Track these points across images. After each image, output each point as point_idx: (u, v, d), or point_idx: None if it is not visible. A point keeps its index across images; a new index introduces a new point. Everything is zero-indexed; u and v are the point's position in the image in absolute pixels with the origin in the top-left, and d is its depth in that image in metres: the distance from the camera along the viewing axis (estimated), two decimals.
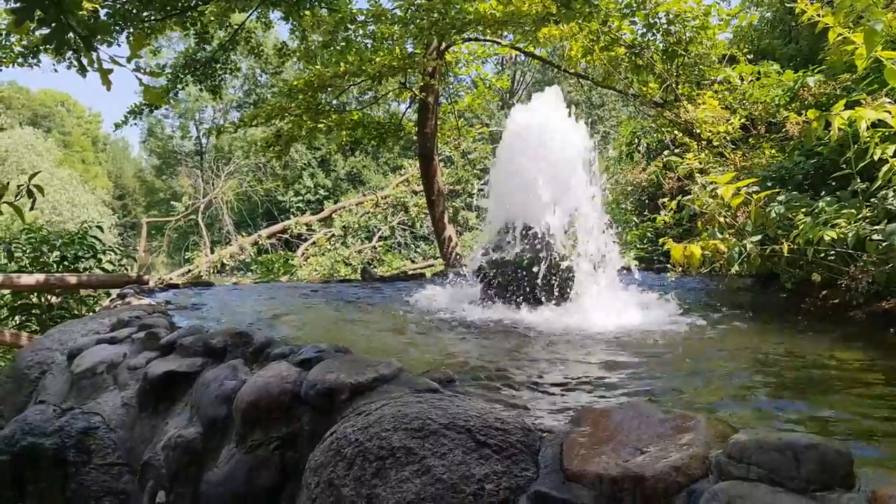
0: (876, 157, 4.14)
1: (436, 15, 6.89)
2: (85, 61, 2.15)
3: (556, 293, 4.47)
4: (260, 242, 20.27)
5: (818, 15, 4.92)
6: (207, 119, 42.00)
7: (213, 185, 26.41)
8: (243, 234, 22.17)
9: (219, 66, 9.16)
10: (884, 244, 3.94)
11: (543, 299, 4.47)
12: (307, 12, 7.80)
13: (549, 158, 4.65)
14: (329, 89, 8.39)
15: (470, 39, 8.93)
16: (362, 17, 7.37)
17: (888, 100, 4.02)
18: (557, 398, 2.43)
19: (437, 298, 5.07)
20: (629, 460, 1.68)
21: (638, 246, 10.92)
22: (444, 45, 8.46)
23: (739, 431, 1.71)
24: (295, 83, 8.60)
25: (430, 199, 9.56)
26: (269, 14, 8.97)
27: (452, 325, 4.02)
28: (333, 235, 19.57)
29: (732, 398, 2.48)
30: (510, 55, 22.47)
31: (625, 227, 11.81)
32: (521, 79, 31.39)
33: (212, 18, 8.51)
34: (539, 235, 4.56)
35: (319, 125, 8.71)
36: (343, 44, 8.07)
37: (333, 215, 20.72)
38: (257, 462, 2.20)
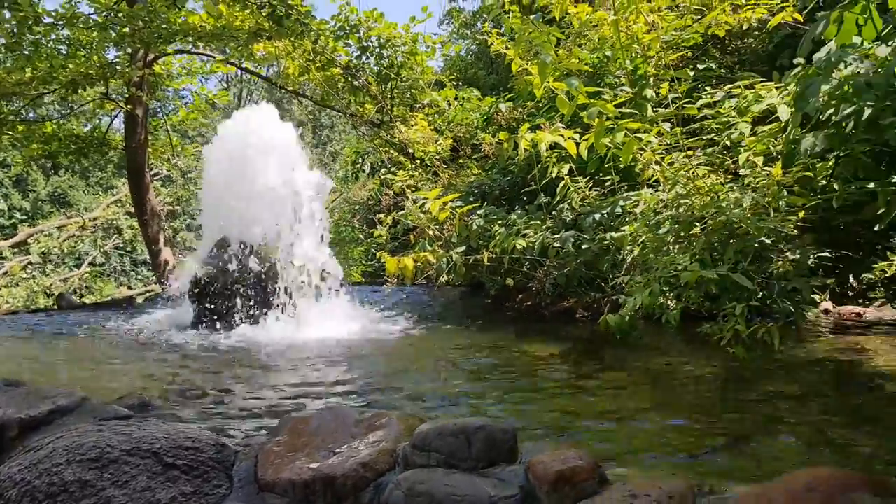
0: (554, 175, 4.73)
1: (140, 23, 6.46)
2: None
3: (272, 309, 4.41)
4: None
5: (505, 47, 5.51)
6: None
7: None
8: None
9: None
10: (562, 251, 4.50)
11: (258, 316, 4.39)
12: None
13: (264, 172, 4.59)
14: (14, 97, 7.41)
15: (181, 51, 8.52)
16: (50, 19, 6.64)
17: (562, 125, 4.60)
18: (264, 411, 2.40)
19: (146, 323, 4.72)
20: (322, 462, 1.71)
21: (364, 262, 11.24)
22: (151, 55, 7.95)
23: (426, 422, 1.83)
24: None
25: (141, 219, 8.86)
26: None
27: (160, 349, 3.78)
28: (31, 263, 17.25)
29: (435, 392, 2.66)
30: (236, 72, 21.86)
31: (352, 243, 12.09)
32: (249, 97, 30.64)
33: None
34: (253, 252, 4.47)
35: (3, 137, 7.65)
36: (31, 48, 7.19)
37: (30, 240, 18.24)
38: None
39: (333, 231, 12.44)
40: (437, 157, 7.43)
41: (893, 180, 3.47)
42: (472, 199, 5.77)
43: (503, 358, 3.40)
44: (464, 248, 4.98)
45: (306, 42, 7.35)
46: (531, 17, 4.33)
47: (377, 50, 7.93)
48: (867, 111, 3.01)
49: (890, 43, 2.93)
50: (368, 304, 5.08)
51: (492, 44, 5.64)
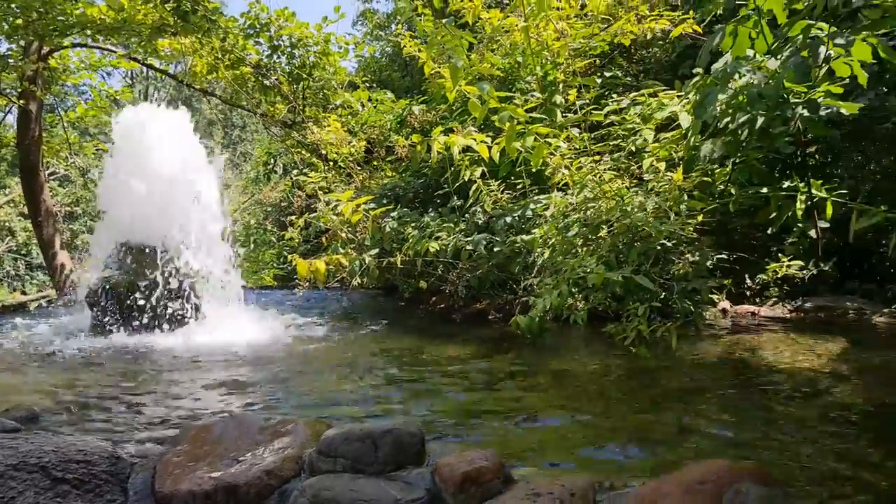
0: (467, 178, 4.76)
1: (34, 14, 6.10)
2: None
3: (176, 315, 4.25)
4: None
5: (418, 50, 5.52)
6: None
7: None
8: None
9: None
10: (474, 253, 4.54)
11: (161, 322, 4.21)
12: None
13: (164, 173, 4.41)
14: None
15: (78, 45, 8.09)
16: None
17: (474, 129, 4.64)
18: (164, 420, 2.30)
19: (39, 330, 4.45)
20: (224, 471, 1.65)
21: (276, 265, 11.01)
22: (46, 48, 7.52)
23: (332, 428, 1.80)
24: None
25: (35, 220, 8.35)
26: None
27: (53, 358, 3.56)
28: None
29: (344, 397, 2.62)
30: (141, 69, 20.97)
31: (264, 246, 11.82)
32: (156, 95, 29.44)
33: None
34: (154, 255, 4.29)
35: None
36: None
37: None
38: None
39: (243, 234, 12.14)
40: (351, 158, 7.37)
41: (785, 186, 3.67)
42: (385, 201, 5.75)
43: (414, 360, 3.40)
44: (377, 250, 4.95)
45: (214, 39, 7.14)
46: (443, 21, 4.34)
47: (288, 49, 7.77)
48: (760, 120, 3.16)
49: (779, 56, 3.09)
50: (279, 307, 4.97)
51: (405, 46, 5.64)
